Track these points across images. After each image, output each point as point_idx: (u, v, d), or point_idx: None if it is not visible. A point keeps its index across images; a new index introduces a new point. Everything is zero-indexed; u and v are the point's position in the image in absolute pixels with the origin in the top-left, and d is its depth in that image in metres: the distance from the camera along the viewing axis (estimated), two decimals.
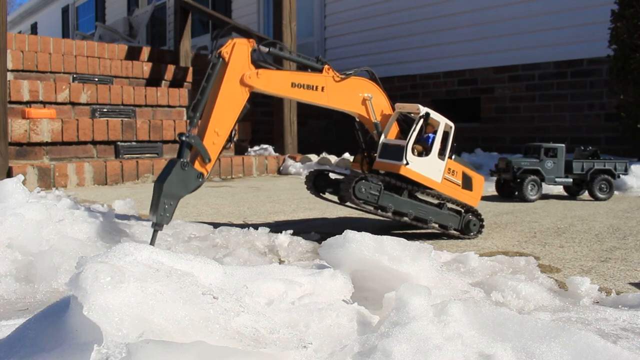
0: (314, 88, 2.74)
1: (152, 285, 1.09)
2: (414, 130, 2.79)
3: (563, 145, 4.80)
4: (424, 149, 2.88)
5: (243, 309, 1.15)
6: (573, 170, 4.76)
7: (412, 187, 2.89)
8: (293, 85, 2.68)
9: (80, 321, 1.07)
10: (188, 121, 2.44)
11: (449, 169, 2.92)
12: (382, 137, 2.91)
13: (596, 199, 4.75)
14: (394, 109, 2.97)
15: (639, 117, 6.77)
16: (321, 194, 3.20)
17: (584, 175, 4.76)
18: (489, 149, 8.95)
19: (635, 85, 6.72)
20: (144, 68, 9.23)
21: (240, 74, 2.52)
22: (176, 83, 9.59)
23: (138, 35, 14.58)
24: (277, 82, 2.64)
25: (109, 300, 1.02)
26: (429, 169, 2.85)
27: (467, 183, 3.02)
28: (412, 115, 2.93)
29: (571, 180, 4.78)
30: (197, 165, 2.42)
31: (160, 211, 2.33)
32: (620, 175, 4.93)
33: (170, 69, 9.59)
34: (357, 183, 2.74)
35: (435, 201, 2.99)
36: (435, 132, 2.86)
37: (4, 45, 5.15)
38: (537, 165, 4.69)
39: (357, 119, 2.98)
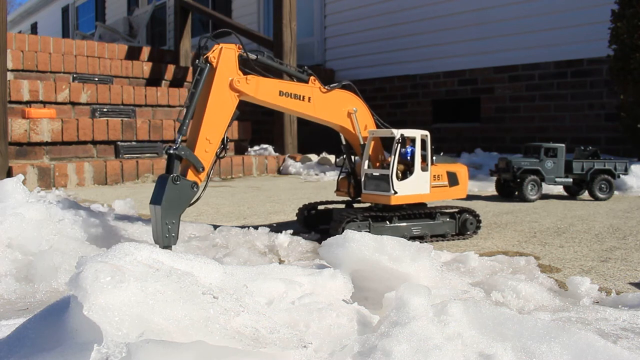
0: (302, 98, 2.72)
1: (152, 285, 1.09)
2: (394, 156, 2.78)
3: (563, 145, 4.80)
4: (405, 166, 2.89)
5: (243, 309, 1.15)
6: (573, 170, 4.76)
7: (401, 212, 2.90)
8: (281, 93, 2.65)
9: (80, 321, 1.07)
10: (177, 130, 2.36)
11: (434, 175, 2.96)
12: (364, 165, 2.91)
13: (596, 199, 4.74)
14: (376, 123, 2.97)
15: (639, 117, 6.77)
16: (313, 231, 3.21)
17: (584, 175, 4.76)
18: (489, 149, 8.95)
19: (635, 85, 6.72)
20: (144, 68, 9.23)
21: (229, 78, 2.47)
22: (176, 83, 9.59)
23: (138, 35, 14.59)
24: (265, 89, 2.61)
25: (109, 300, 1.02)
26: (416, 186, 2.88)
27: (452, 180, 3.06)
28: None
29: (571, 180, 4.78)
30: (190, 176, 2.32)
31: (165, 233, 2.22)
32: (620, 175, 4.93)
33: (170, 68, 9.59)
34: (347, 225, 2.75)
35: (427, 210, 3.01)
36: (413, 145, 2.88)
37: (4, 45, 5.15)
38: (537, 165, 4.69)
39: (342, 135, 2.97)
